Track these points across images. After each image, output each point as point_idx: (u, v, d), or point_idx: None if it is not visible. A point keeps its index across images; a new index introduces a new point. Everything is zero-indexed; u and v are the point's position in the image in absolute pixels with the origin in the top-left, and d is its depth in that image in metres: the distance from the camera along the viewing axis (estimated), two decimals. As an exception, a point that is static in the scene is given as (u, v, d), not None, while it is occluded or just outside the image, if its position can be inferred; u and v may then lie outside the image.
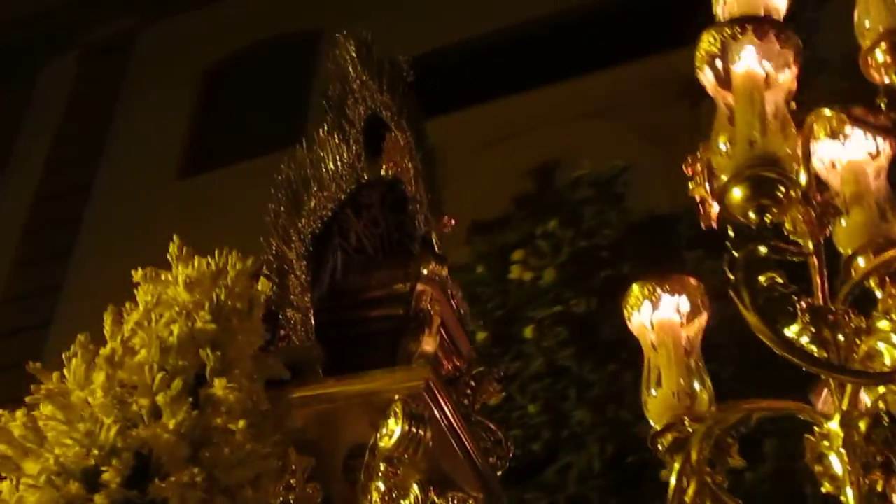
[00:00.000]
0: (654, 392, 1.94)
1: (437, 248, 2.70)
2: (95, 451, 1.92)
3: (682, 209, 6.15)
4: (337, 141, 2.71)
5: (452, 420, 2.45)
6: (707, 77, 1.86)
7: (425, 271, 2.52)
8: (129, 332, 2.10)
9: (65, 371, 2.07)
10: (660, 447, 1.90)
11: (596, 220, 6.05)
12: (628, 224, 6.04)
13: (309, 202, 2.61)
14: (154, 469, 1.92)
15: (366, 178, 2.78)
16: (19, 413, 1.97)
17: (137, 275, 2.20)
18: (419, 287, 2.52)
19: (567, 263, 5.86)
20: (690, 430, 1.83)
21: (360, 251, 2.64)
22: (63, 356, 2.07)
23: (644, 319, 1.99)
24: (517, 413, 5.34)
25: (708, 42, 1.85)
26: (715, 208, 1.96)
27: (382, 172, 2.86)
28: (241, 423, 2.00)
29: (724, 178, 1.74)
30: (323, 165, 2.65)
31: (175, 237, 2.25)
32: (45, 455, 1.93)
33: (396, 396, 2.29)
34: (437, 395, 2.39)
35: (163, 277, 2.20)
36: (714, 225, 1.98)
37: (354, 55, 2.85)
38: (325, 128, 2.69)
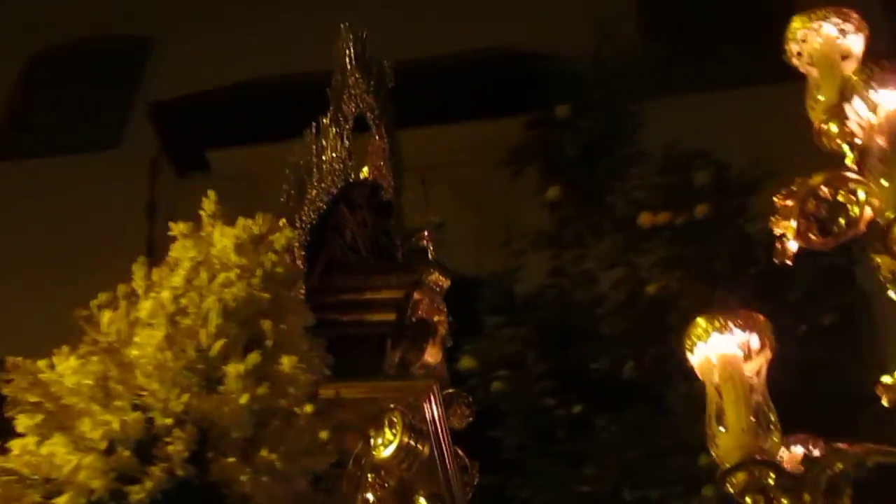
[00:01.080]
0: (721, 428, 1.93)
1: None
2: (159, 419, 1.70)
3: (486, 274, 6.37)
4: (334, 133, 2.59)
5: (442, 439, 2.35)
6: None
7: (429, 280, 2.42)
8: (172, 290, 1.89)
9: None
10: (730, 486, 1.88)
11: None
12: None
13: (311, 191, 2.47)
14: (211, 446, 1.73)
15: (353, 177, 2.66)
16: (71, 362, 1.72)
17: (176, 228, 2.00)
18: (416, 295, 2.42)
19: (367, 309, 5.91)
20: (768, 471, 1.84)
21: (354, 250, 2.51)
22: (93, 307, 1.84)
23: (709, 352, 1.99)
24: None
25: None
26: (792, 246, 2.01)
27: (365, 174, 2.75)
28: (309, 408, 1.83)
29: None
30: (324, 156, 2.52)
31: (211, 193, 2.08)
32: (99, 416, 1.69)
33: (393, 406, 2.18)
34: (436, 410, 2.30)
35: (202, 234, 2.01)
36: (789, 262, 2.02)
37: (351, 50, 2.75)
38: (328, 117, 2.56)
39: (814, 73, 2.19)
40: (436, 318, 2.40)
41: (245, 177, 6.43)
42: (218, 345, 1.78)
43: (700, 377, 1.99)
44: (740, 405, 1.92)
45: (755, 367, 1.98)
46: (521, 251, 6.20)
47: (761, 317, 2.04)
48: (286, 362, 1.81)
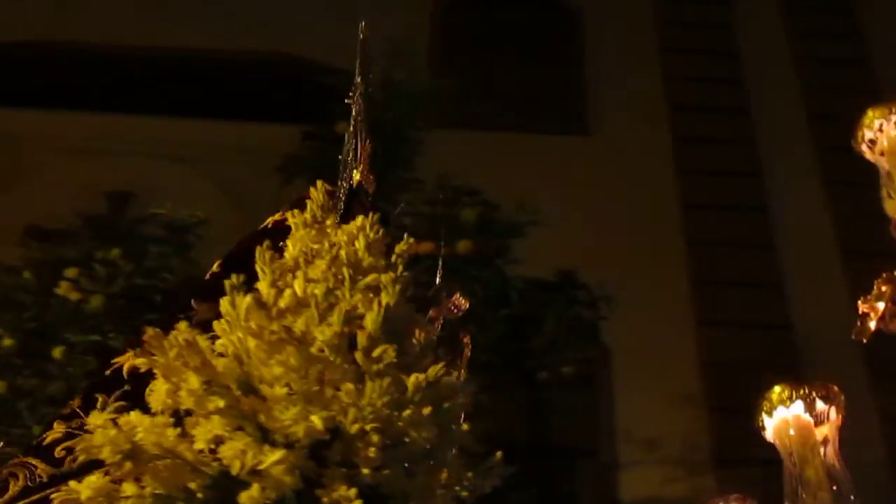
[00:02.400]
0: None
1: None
2: (348, 423, 1.57)
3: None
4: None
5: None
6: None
7: (452, 300, 2.36)
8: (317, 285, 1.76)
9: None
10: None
11: (159, 262, 5.93)
12: (189, 275, 5.96)
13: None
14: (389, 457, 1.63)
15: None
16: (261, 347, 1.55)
17: (294, 217, 1.86)
18: (432, 312, 2.35)
19: (118, 296, 5.67)
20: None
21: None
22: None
23: (787, 415, 2.07)
24: (20, 431, 5.14)
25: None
26: (872, 326, 2.12)
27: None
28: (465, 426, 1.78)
29: None
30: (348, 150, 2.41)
31: (319, 182, 1.95)
32: (298, 412, 1.54)
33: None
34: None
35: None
36: (865, 340, 2.13)
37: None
38: (354, 112, 2.44)
39: (884, 162, 2.31)
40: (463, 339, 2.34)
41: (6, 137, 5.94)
42: (391, 351, 1.67)
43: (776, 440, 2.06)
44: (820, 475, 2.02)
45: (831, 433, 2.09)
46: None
47: (837, 387, 2.15)
48: (432, 370, 1.74)
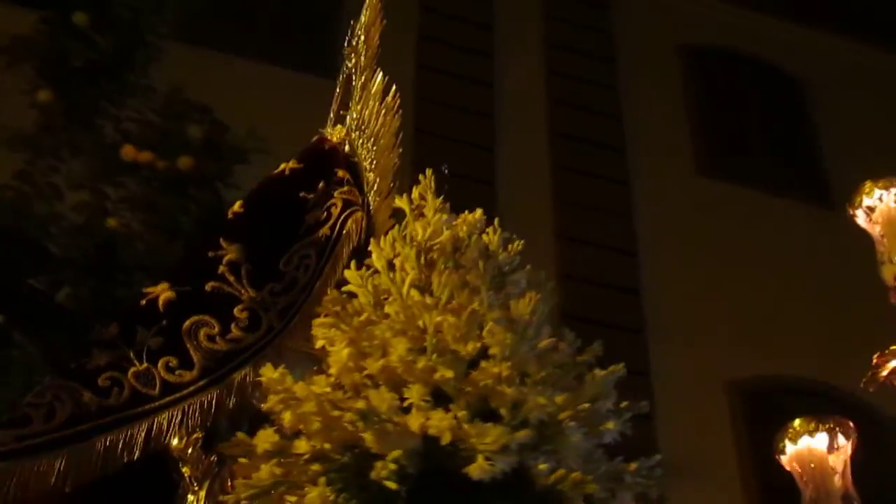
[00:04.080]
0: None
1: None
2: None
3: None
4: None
5: None
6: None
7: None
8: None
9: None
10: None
11: None
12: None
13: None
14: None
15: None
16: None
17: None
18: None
19: None
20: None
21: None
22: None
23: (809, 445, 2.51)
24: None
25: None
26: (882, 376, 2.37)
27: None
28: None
29: None
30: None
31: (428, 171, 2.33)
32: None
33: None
34: None
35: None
36: (871, 389, 2.39)
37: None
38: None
39: (879, 230, 2.60)
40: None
41: None
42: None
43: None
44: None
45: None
46: (-6, 144, 5.83)
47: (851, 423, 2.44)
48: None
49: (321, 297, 2.49)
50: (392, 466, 1.76)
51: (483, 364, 1.86)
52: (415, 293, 2.05)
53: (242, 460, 1.97)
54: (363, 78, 3.27)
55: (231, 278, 2.71)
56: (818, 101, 10.81)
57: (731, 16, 10.89)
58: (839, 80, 10.84)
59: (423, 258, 2.15)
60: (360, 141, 3.17)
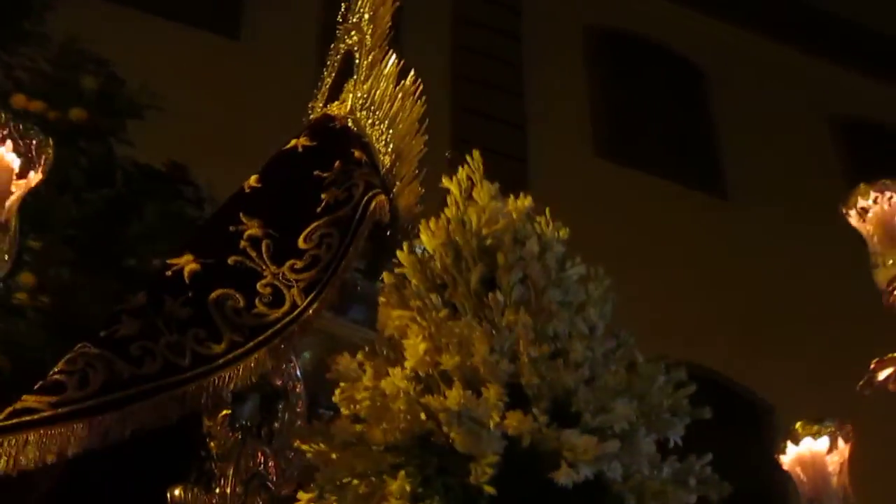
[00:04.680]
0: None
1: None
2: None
3: None
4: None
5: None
6: None
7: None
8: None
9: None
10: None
11: None
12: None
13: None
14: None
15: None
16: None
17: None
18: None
19: None
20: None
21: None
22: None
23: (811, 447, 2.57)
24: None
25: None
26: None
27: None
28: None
29: None
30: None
31: (475, 152, 2.36)
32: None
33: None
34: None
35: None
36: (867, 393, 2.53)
37: None
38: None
39: (872, 231, 2.62)
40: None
41: None
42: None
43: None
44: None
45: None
46: None
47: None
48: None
49: (344, 276, 2.68)
50: (489, 471, 1.78)
51: (559, 366, 1.91)
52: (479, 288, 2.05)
53: (314, 447, 1.99)
54: (370, 57, 3.27)
55: (253, 253, 2.78)
56: (720, 92, 10.99)
57: (642, 3, 10.99)
58: (741, 74, 11.03)
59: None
60: (370, 121, 3.19)
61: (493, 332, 1.94)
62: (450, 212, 2.26)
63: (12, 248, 2.19)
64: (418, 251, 2.52)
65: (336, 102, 3.44)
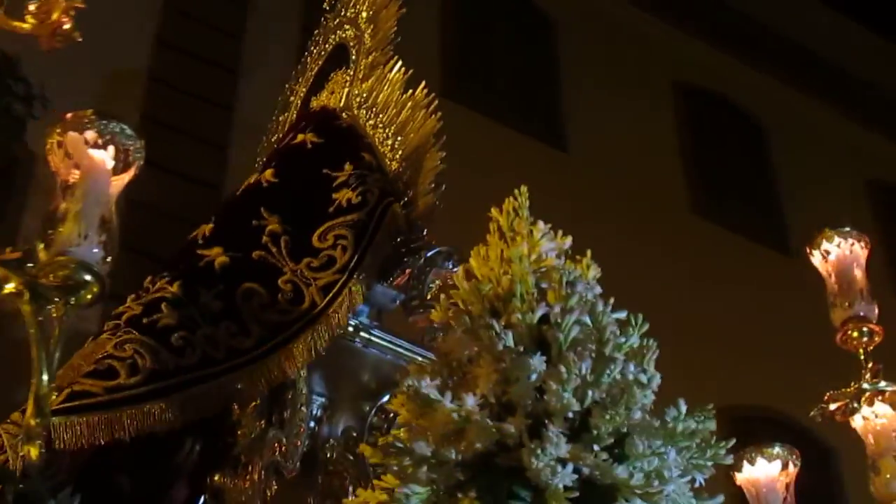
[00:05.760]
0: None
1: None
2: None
3: None
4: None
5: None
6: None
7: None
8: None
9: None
10: None
11: None
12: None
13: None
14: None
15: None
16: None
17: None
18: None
19: None
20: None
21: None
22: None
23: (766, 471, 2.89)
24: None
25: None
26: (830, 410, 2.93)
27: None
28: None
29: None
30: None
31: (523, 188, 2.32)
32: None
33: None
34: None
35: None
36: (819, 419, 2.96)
37: None
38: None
39: (833, 273, 2.94)
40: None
41: None
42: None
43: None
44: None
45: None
46: None
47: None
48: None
49: (357, 281, 2.83)
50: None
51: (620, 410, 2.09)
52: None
53: (378, 458, 2.10)
54: (370, 58, 3.32)
55: (273, 249, 2.89)
56: (569, 41, 11.10)
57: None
58: (587, 25, 11.17)
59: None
60: (372, 122, 3.25)
61: (564, 371, 2.09)
62: (497, 242, 2.33)
63: (115, 246, 2.24)
64: (454, 271, 2.69)
65: (325, 92, 3.48)
